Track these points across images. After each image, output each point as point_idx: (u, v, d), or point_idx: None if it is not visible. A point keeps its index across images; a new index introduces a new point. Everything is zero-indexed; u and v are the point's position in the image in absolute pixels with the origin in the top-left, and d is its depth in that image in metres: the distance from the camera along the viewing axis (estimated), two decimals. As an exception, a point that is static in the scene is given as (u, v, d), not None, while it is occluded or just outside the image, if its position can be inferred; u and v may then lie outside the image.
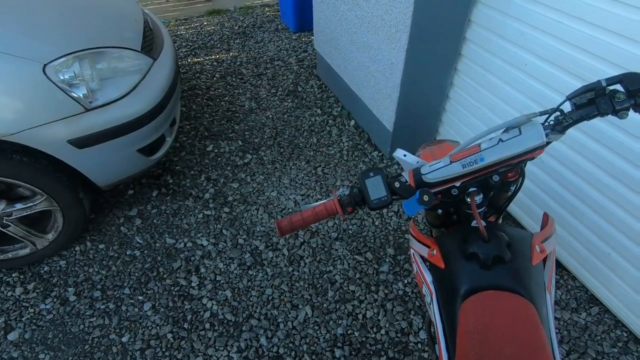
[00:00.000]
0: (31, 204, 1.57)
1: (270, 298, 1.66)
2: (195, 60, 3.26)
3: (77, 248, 1.84)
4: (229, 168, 2.26)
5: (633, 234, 1.38)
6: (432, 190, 0.73)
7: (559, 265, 1.72)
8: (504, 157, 0.67)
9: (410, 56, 1.78)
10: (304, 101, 2.78)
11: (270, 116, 2.64)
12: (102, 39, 1.61)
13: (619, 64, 1.25)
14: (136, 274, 1.74)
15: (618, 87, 0.66)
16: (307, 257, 1.81)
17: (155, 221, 1.97)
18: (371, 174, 0.72)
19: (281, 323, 1.58)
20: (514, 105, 1.68)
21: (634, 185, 1.32)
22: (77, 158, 1.54)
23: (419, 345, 1.51)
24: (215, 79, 3.03)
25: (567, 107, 0.71)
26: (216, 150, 2.37)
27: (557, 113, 0.70)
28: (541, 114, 0.71)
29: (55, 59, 1.41)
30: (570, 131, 1.46)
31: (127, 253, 1.82)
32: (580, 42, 1.33)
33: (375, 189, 0.71)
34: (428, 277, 0.83)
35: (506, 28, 1.60)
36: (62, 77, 1.42)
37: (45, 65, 1.38)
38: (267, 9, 4.13)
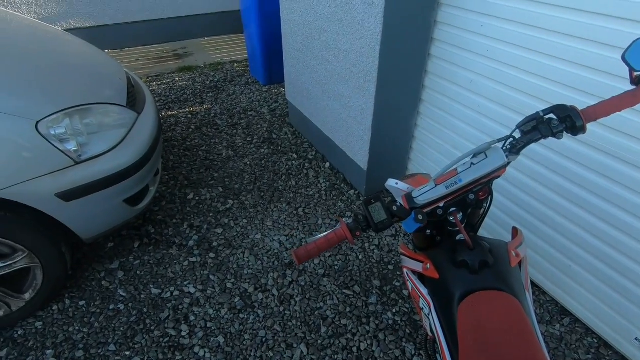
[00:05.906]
0: (11, 262, 1.51)
1: (264, 340, 1.65)
2: (170, 113, 3.36)
3: (55, 307, 1.75)
4: (211, 214, 2.29)
5: (588, 246, 1.56)
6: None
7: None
8: (477, 176, 0.82)
9: (379, 102, 2.00)
10: (279, 147, 2.92)
11: (248, 163, 2.75)
12: (89, 96, 1.68)
13: (547, 100, 1.50)
14: (121, 329, 1.68)
15: (552, 116, 0.85)
16: (297, 296, 1.84)
17: (138, 272, 1.93)
18: (372, 200, 0.83)
19: (277, 364, 1.57)
20: (470, 140, 1.91)
21: (579, 201, 1.53)
22: (63, 211, 1.54)
23: (414, 372, 1.55)
24: (190, 130, 3.13)
25: (517, 134, 0.89)
26: (197, 198, 2.41)
27: (511, 139, 0.88)
28: (499, 140, 0.88)
29: (48, 116, 1.46)
30: (522, 160, 1.68)
31: (110, 307, 1.76)
32: (518, 85, 1.59)
33: (377, 214, 0.82)
34: (424, 290, 0.93)
35: (457, 76, 1.86)
36: (53, 133, 1.47)
37: (37, 122, 1.43)
38: (236, 64, 4.38)
